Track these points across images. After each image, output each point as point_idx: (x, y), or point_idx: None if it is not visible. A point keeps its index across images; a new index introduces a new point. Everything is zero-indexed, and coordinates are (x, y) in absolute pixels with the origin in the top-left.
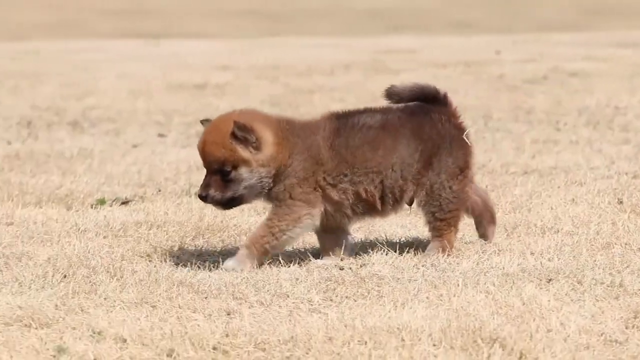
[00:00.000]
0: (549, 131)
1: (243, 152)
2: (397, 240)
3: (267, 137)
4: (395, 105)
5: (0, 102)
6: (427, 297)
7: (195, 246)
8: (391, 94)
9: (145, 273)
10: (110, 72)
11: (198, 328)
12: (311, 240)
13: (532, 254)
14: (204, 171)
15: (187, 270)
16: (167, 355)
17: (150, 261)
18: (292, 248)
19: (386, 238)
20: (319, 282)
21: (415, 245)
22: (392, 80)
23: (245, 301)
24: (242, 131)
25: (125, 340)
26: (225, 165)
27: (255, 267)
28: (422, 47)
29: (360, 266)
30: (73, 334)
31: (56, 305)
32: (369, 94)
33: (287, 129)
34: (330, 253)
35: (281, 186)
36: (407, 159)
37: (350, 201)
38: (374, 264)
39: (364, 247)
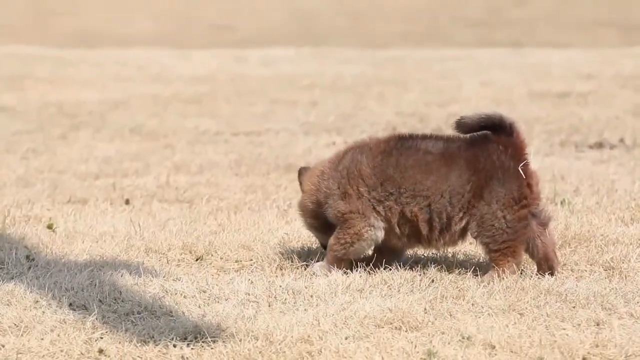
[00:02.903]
0: None
1: None
2: None
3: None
4: (462, 136)
5: (368, 108)
6: None
7: (562, 255)
8: (460, 124)
9: (512, 280)
10: (473, 80)
11: (567, 337)
12: None
13: None
14: None
15: (553, 279)
16: None
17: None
18: None
19: None
20: None
21: None
22: None
23: (615, 312)
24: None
25: (494, 347)
26: None
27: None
28: None
29: None
30: (442, 339)
31: (425, 309)
32: None
33: (318, 175)
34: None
35: (328, 209)
36: (458, 188)
37: (396, 220)
38: None
39: None
